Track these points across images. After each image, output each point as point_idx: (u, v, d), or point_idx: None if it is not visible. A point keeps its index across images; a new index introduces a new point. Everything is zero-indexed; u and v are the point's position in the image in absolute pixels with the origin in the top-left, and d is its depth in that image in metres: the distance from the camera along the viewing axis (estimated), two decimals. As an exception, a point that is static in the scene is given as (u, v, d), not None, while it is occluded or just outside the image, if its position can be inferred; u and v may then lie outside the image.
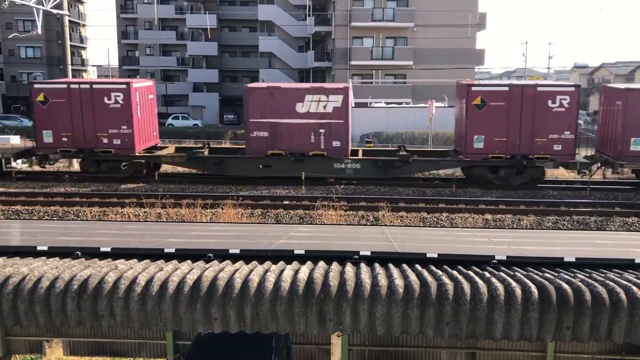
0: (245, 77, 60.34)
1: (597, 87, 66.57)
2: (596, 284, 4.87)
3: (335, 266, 5.50)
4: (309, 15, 48.28)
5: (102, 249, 6.23)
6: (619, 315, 4.62)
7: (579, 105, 20.52)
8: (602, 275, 5.35)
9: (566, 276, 5.20)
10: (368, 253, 5.97)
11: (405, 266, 5.60)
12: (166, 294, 4.93)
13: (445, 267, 5.67)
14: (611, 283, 4.88)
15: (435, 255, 6.01)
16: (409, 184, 21.75)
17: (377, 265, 5.61)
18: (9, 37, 38.13)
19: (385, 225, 15.44)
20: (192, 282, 5.02)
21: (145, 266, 5.53)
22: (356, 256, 5.90)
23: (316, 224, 15.56)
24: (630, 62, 65.30)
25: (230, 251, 6.10)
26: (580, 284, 4.87)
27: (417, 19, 42.78)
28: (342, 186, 21.04)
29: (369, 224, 16.35)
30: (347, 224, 15.42)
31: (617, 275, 5.34)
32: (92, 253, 6.18)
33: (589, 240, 8.97)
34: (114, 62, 71.38)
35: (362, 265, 5.59)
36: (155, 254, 6.16)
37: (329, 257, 5.95)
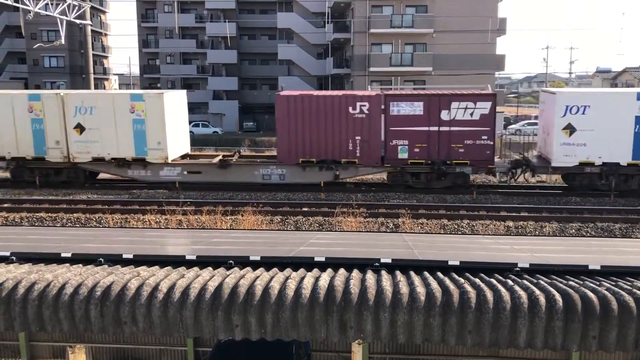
0: (265, 85, 60.69)
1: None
2: (623, 292, 4.78)
3: (355, 273, 5.48)
4: (327, 22, 48.41)
5: (124, 256, 6.29)
6: (647, 325, 4.53)
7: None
8: (629, 283, 5.24)
9: (591, 284, 5.11)
10: (389, 260, 5.94)
11: (426, 274, 5.55)
12: (188, 301, 4.95)
13: (467, 274, 5.61)
14: (638, 292, 4.79)
15: (457, 263, 5.95)
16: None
17: (398, 272, 5.58)
18: (34, 47, 38.87)
19: (406, 232, 15.34)
20: (213, 289, 5.04)
21: (167, 273, 5.56)
22: (377, 263, 5.87)
23: (336, 230, 15.52)
24: (654, 66, 64.12)
25: (251, 258, 6.11)
26: (606, 292, 4.78)
27: (436, 24, 42.61)
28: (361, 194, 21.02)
29: (389, 231, 16.26)
30: (367, 231, 15.36)
31: (644, 283, 5.23)
32: (114, 260, 6.25)
33: (613, 247, 8.79)
34: (136, 70, 72.53)
35: (383, 272, 5.56)
36: (176, 261, 6.20)
37: (350, 264, 5.93)
